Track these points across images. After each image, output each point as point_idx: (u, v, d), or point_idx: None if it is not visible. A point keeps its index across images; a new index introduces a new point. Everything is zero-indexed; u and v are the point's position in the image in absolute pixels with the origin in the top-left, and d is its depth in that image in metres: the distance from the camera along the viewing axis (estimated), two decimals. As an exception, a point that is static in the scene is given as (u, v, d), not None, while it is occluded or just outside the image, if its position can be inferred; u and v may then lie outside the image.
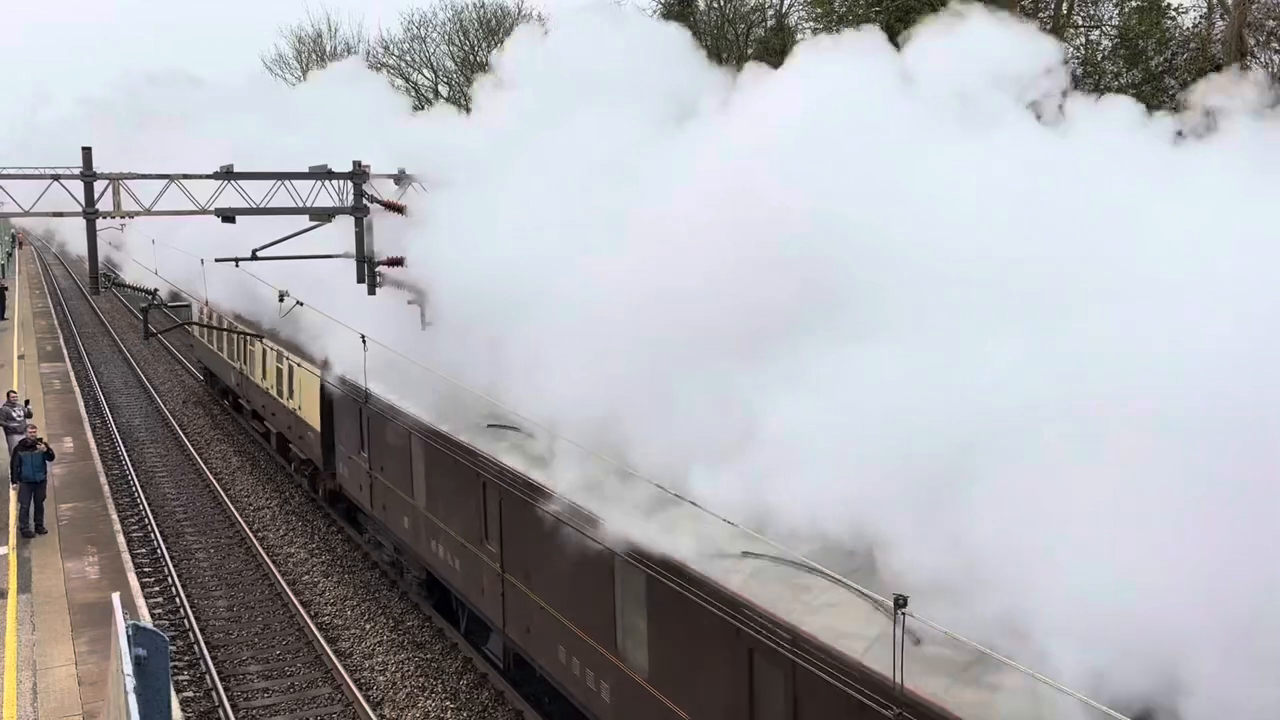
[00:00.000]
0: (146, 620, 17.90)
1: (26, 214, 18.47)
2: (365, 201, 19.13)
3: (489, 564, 15.97)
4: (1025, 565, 7.45)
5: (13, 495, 22.66)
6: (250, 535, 24.83)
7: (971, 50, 10.63)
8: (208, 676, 17.91)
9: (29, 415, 27.04)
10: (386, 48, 67.38)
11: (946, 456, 7.99)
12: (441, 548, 17.90)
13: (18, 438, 26.16)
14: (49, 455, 22.80)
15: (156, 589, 21.97)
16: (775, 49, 39.75)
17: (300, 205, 19.44)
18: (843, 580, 9.01)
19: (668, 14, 45.12)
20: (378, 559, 22.88)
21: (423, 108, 60.27)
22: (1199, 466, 6.60)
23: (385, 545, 22.03)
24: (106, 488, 26.15)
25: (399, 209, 19.03)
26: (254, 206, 19.04)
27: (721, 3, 44.65)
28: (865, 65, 11.15)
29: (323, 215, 19.55)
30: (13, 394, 27.62)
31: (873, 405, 8.71)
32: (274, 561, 23.17)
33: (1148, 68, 29.71)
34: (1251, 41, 26.54)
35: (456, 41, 62.14)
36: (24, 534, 21.99)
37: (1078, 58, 33.02)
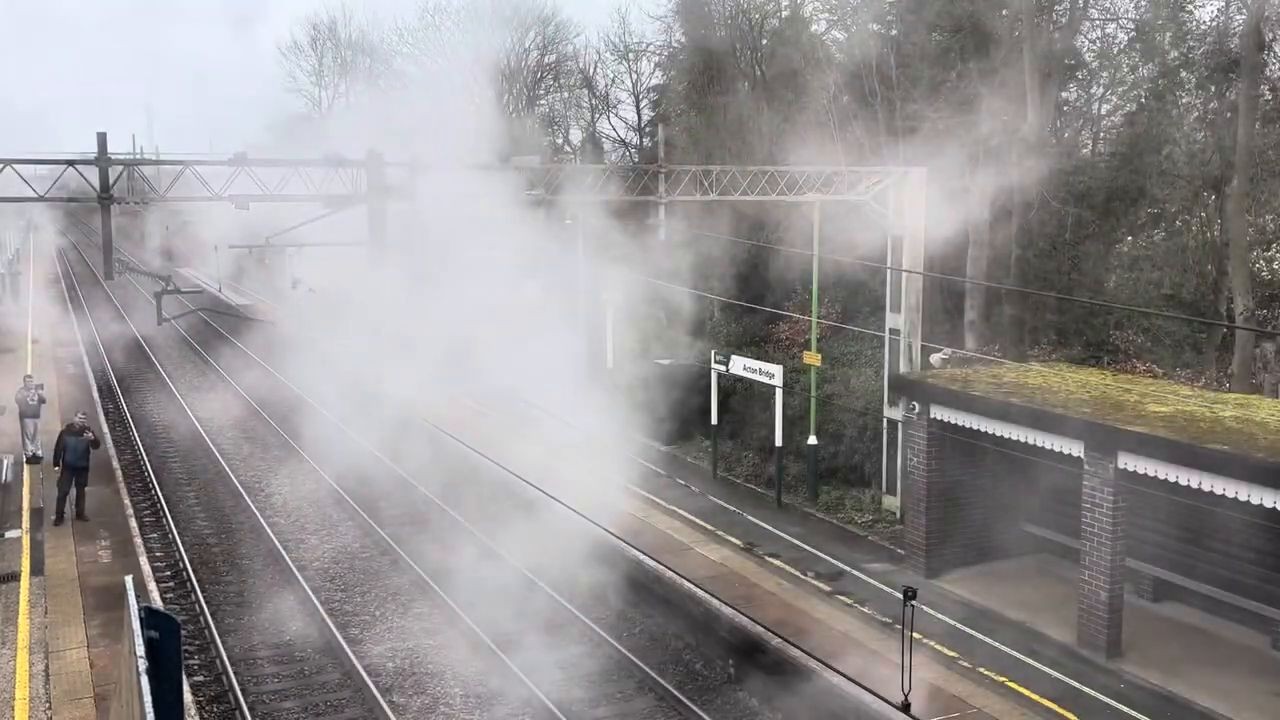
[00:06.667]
0: (158, 604, 18.02)
1: (42, 199, 18.55)
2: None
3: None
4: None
5: (23, 479, 22.77)
6: (262, 521, 24.95)
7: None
8: (218, 661, 18.01)
9: (43, 400, 27.20)
10: (400, 35, 67.43)
11: None
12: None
13: (32, 421, 26.36)
14: (94, 443, 22.85)
15: (168, 573, 22.09)
16: (789, 39, 39.63)
17: (313, 192, 19.48)
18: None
19: (682, 6, 45.01)
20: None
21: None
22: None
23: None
24: (119, 472, 26.29)
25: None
26: (268, 193, 19.10)
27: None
28: None
29: (336, 203, 19.61)
30: (28, 378, 27.75)
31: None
32: (285, 547, 23.28)
33: (1164, 61, 29.50)
34: (1269, 36, 26.32)
35: (470, 30, 62.05)
36: (60, 517, 22.01)
37: (1093, 50, 32.83)
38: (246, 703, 16.53)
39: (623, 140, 55.39)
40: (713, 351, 28.33)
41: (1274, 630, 17.15)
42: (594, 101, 56.91)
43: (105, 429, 30.78)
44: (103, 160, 18.14)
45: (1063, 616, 18.00)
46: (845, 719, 15.25)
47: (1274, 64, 27.84)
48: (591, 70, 57.53)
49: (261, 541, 24.04)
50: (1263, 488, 14.77)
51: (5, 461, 23.96)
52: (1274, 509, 14.86)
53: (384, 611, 20.36)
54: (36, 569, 19.49)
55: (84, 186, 18.65)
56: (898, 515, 23.30)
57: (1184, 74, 29.53)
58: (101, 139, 18.20)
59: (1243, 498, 15.05)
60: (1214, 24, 29.31)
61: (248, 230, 27.99)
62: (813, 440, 25.53)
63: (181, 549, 23.12)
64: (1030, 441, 18.08)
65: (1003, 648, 17.26)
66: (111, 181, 18.30)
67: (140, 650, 7.71)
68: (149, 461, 30.16)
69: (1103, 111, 33.26)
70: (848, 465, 25.98)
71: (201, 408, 37.34)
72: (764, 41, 41.61)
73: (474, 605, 19.67)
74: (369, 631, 19.43)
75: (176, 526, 24.58)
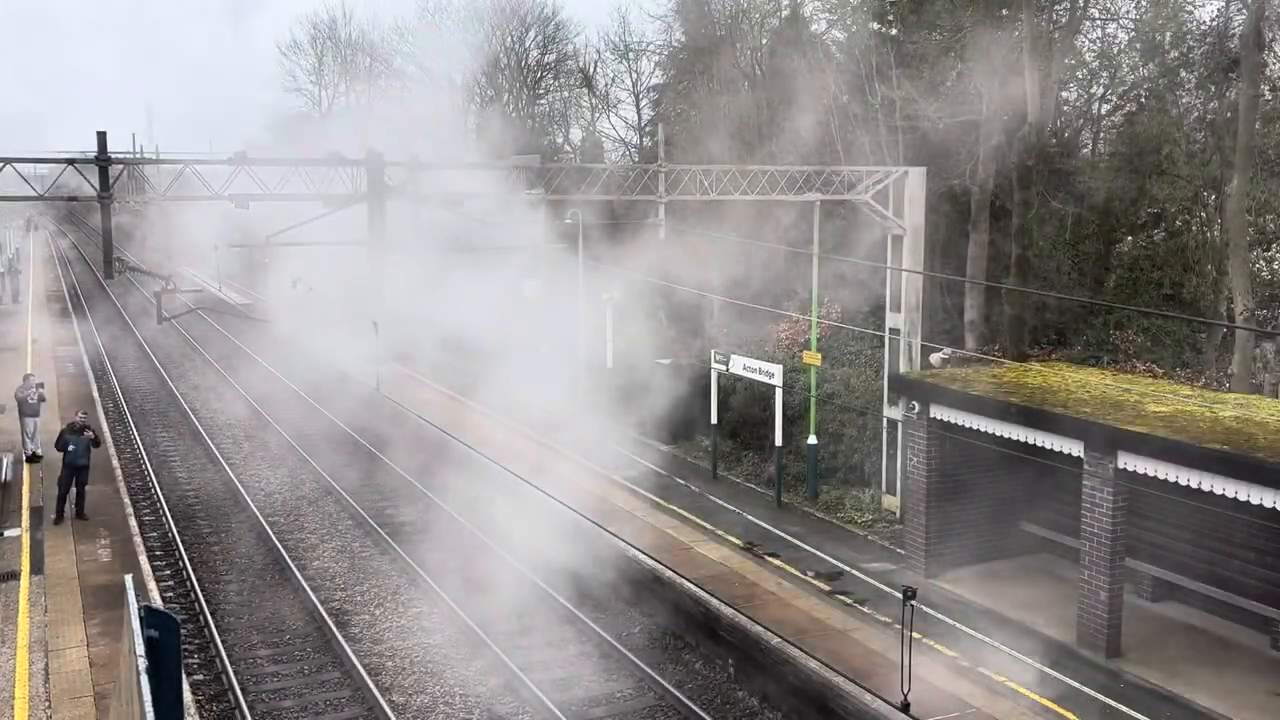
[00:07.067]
0: (158, 603, 18.02)
1: (42, 198, 18.55)
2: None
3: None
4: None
5: (23, 477, 22.70)
6: (261, 520, 24.95)
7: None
8: (218, 660, 18.01)
9: (43, 399, 27.17)
10: (400, 34, 67.38)
11: None
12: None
13: (32, 420, 26.34)
14: (95, 442, 22.79)
15: (168, 572, 22.09)
16: (789, 39, 39.63)
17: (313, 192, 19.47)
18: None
19: (682, 6, 45.03)
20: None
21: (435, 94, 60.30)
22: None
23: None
24: (119, 471, 26.27)
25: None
26: (268, 192, 19.10)
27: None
28: None
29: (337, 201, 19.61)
30: (29, 376, 27.75)
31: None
32: (284, 546, 23.28)
33: (1164, 61, 29.51)
34: (1269, 36, 26.31)
35: (471, 29, 62.08)
36: (60, 516, 21.88)
37: (1093, 50, 32.83)
38: (246, 702, 16.54)
39: (623, 139, 55.46)
40: (713, 351, 28.35)
41: (1274, 630, 17.15)
42: (594, 101, 56.96)
43: (105, 428, 30.76)
44: (103, 159, 18.13)
45: (1063, 616, 18.00)
46: (845, 718, 15.24)
47: (1274, 64, 27.85)
48: (591, 69, 57.58)
49: (261, 541, 24.07)
50: (1263, 488, 14.77)
51: (5, 460, 23.96)
52: (1274, 509, 14.87)
53: (380, 602, 20.39)
54: (36, 568, 19.49)
55: (84, 185, 18.66)
56: (898, 515, 23.31)
57: (1184, 74, 29.53)
58: (101, 138, 18.20)
59: (1242, 498, 15.06)
60: (1214, 24, 29.32)
61: (242, 230, 28.05)
62: (812, 440, 25.54)
63: (181, 548, 23.12)
64: (1030, 441, 18.08)
65: (1003, 648, 17.26)
66: (111, 180, 18.31)
67: (140, 649, 7.72)
68: (149, 460, 30.17)
69: (1103, 111, 33.28)
70: (848, 465, 25.99)
71: (202, 407, 37.36)
72: (764, 41, 41.62)
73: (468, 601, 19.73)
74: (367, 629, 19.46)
75: (176, 525, 24.59)
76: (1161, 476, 16.07)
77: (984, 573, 20.34)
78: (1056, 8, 30.94)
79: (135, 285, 64.21)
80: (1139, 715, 15.22)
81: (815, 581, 20.12)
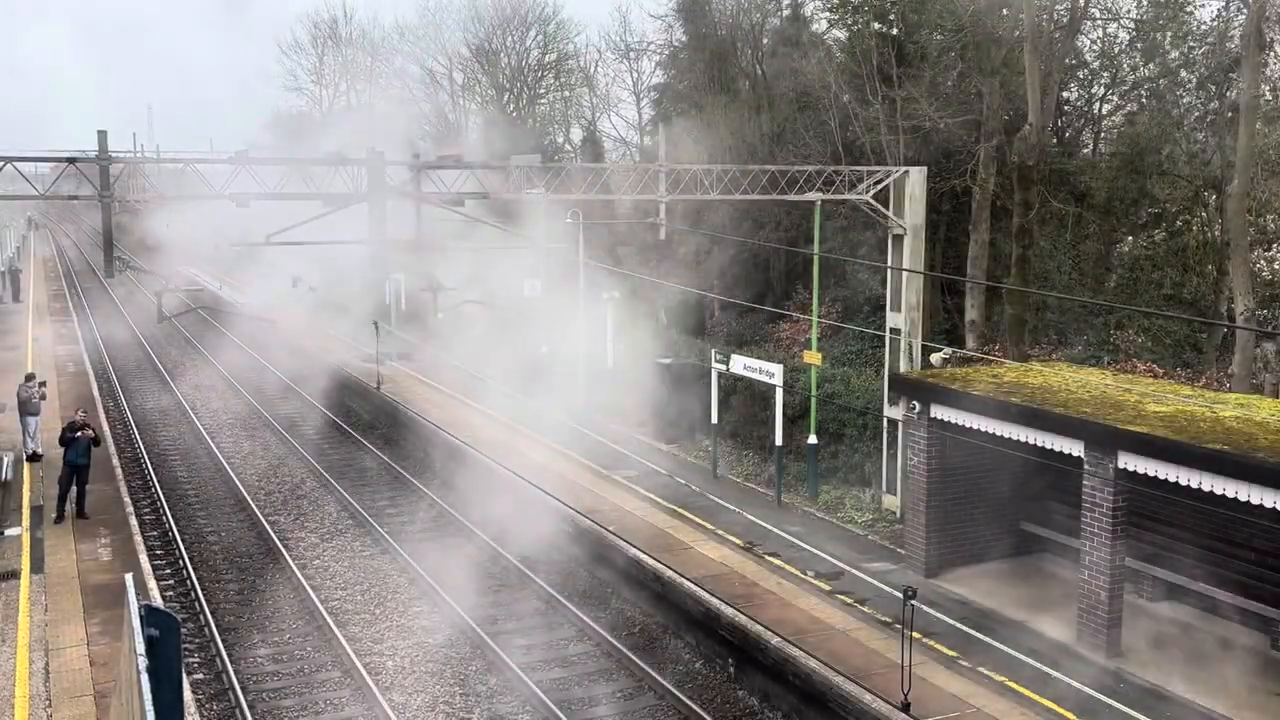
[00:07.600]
0: (158, 602, 18.02)
1: (43, 196, 18.55)
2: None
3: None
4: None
5: (23, 476, 22.65)
6: (261, 519, 24.95)
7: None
8: (218, 659, 18.01)
9: (43, 397, 27.16)
10: (401, 33, 67.43)
11: None
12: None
13: (33, 419, 26.34)
14: (95, 441, 22.75)
15: (168, 571, 22.09)
16: (790, 39, 39.62)
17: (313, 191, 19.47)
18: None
19: (683, 4, 45.01)
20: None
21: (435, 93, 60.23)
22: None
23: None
24: (119, 470, 26.27)
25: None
26: (269, 191, 19.10)
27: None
28: None
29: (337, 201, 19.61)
30: (31, 376, 27.72)
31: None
32: (285, 545, 23.28)
33: (1165, 61, 29.52)
34: (1270, 35, 26.31)
35: (471, 27, 62.10)
36: (60, 515, 21.82)
37: (1094, 50, 32.84)
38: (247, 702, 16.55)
39: (623, 139, 55.47)
40: (713, 350, 28.35)
41: (1274, 630, 17.15)
42: (594, 100, 56.97)
43: (105, 427, 30.76)
44: (103, 158, 18.14)
45: (1063, 616, 17.99)
46: (845, 719, 15.25)
47: (1274, 64, 27.85)
48: (592, 69, 57.59)
49: (261, 539, 24.08)
50: (1263, 488, 14.77)
51: (6, 459, 23.95)
52: (1274, 509, 14.87)
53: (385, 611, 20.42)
54: (37, 567, 19.49)
55: (85, 184, 18.67)
56: (898, 515, 23.31)
57: (1184, 74, 29.53)
58: (102, 137, 18.20)
59: (1243, 498, 15.06)
60: (1214, 24, 29.33)
61: (241, 229, 28.10)
62: (813, 440, 25.55)
63: (181, 547, 23.13)
64: (1030, 441, 18.08)
65: (1002, 647, 17.25)
66: (112, 179, 18.31)
67: (140, 648, 7.71)
68: (149, 460, 30.18)
69: (1104, 111, 33.29)
70: (848, 465, 25.99)
71: (202, 407, 37.37)
72: (765, 40, 41.60)
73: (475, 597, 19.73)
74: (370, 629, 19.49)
75: (176, 524, 24.60)
76: (1162, 476, 16.06)
77: (984, 573, 20.33)
78: (1058, 7, 30.94)
79: (135, 284, 64.21)
80: (1139, 715, 15.22)
81: (815, 581, 20.10)
